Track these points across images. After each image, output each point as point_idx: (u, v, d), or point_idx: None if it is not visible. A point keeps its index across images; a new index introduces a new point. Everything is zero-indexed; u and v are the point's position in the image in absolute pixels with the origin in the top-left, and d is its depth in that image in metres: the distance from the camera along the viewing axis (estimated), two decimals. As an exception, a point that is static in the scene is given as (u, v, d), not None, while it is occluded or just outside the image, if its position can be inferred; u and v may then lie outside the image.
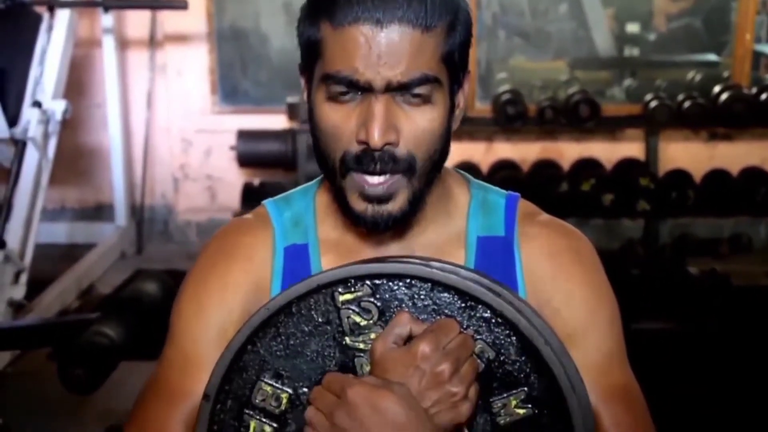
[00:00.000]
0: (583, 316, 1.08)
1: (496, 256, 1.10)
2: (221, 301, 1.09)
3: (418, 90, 0.99)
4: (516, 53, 5.38)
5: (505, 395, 0.98)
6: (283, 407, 1.00)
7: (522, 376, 0.97)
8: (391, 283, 0.98)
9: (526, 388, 0.97)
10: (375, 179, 1.01)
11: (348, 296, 0.99)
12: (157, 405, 1.08)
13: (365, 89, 0.99)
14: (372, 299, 0.99)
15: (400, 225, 1.06)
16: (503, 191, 1.17)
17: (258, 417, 1.00)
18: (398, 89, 0.99)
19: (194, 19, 5.16)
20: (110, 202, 5.34)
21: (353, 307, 0.99)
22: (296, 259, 1.11)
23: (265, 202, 1.19)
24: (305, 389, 0.99)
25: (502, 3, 5.23)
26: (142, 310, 2.78)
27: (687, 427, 3.09)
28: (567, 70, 5.35)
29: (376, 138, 0.98)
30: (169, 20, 5.21)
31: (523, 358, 0.97)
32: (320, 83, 1.02)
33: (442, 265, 1.00)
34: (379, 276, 0.98)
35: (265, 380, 1.00)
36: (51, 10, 4.16)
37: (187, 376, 1.07)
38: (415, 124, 1.01)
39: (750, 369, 3.59)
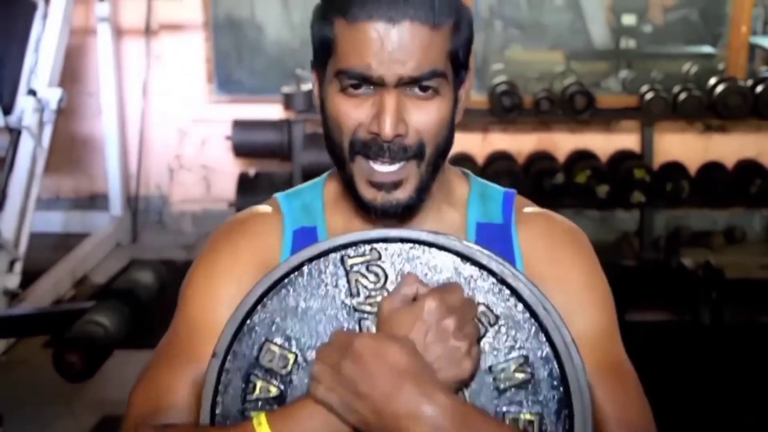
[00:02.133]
0: (577, 295, 1.11)
1: (494, 241, 1.13)
2: (231, 275, 1.12)
3: (427, 83, 1.05)
4: (512, 44, 5.37)
5: (504, 360, 1.00)
6: (289, 368, 1.02)
7: (521, 341, 1.00)
8: (399, 248, 1.03)
9: (525, 353, 1.00)
10: (385, 168, 1.06)
11: (357, 260, 1.03)
12: (165, 367, 1.09)
13: (378, 84, 1.04)
14: (380, 263, 1.03)
15: (407, 212, 1.10)
16: (501, 187, 1.22)
17: (264, 377, 1.02)
18: (409, 83, 1.04)
19: (190, 7, 5.15)
20: (105, 192, 5.33)
21: (362, 271, 1.03)
22: (305, 240, 1.14)
23: (276, 194, 1.23)
24: (312, 351, 1.01)
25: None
26: (136, 300, 2.79)
27: (681, 418, 3.11)
28: (563, 61, 5.35)
29: (388, 129, 1.04)
30: (165, 9, 5.19)
31: (523, 324, 1.00)
32: (333, 78, 1.07)
33: (447, 234, 1.05)
34: (387, 240, 1.03)
35: (273, 341, 1.02)
36: (46, -2, 4.14)
37: (195, 342, 1.09)
38: (425, 116, 1.06)
39: (744, 360, 3.61)
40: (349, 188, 1.11)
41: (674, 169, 4.87)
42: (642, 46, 5.37)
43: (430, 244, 1.03)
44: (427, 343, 0.95)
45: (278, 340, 1.02)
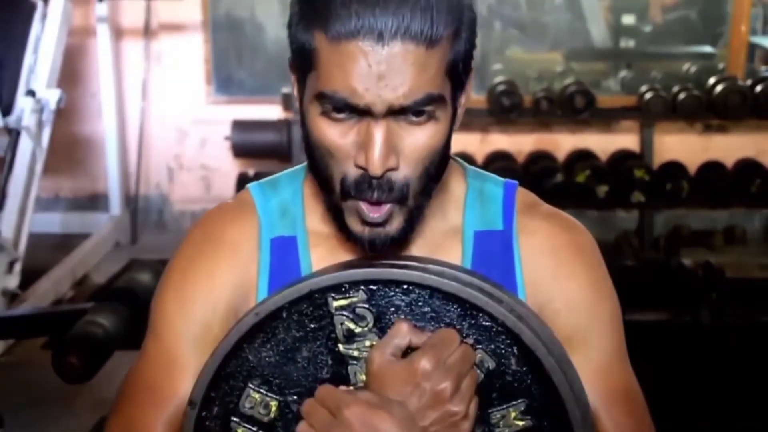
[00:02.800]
0: (585, 318, 1.06)
1: (494, 253, 1.07)
2: (206, 295, 1.05)
3: (421, 109, 0.93)
4: (511, 44, 5.37)
5: (504, 406, 0.95)
6: (272, 415, 0.97)
7: (522, 386, 0.95)
8: (387, 289, 0.95)
9: (526, 399, 0.95)
10: (373, 209, 0.97)
11: (342, 302, 0.95)
12: (140, 406, 1.05)
13: (364, 112, 0.93)
14: (367, 305, 0.95)
15: (399, 243, 1.02)
16: (501, 179, 1.13)
17: (246, 425, 0.97)
18: (399, 112, 0.93)
19: (189, 8, 5.14)
20: (105, 192, 5.32)
21: (347, 314, 0.95)
22: (284, 252, 1.07)
23: (250, 186, 1.12)
24: (295, 397, 0.96)
25: (498, -6, 5.23)
26: (136, 300, 2.78)
27: (681, 418, 3.10)
28: (562, 61, 5.35)
29: (376, 165, 0.93)
30: (164, 9, 5.18)
31: (524, 368, 0.94)
32: (314, 99, 0.95)
33: (441, 270, 0.97)
34: (375, 282, 0.95)
35: (254, 387, 0.97)
36: (45, -2, 4.14)
37: (170, 377, 1.04)
38: (416, 143, 0.95)
39: (744, 361, 3.61)
40: (336, 218, 1.01)
41: (674, 168, 4.86)
42: (641, 46, 5.37)
43: (424, 287, 0.94)
44: (421, 408, 0.90)
45: (259, 386, 0.96)
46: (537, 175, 4.82)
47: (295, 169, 1.14)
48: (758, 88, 4.75)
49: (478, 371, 0.94)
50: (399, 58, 0.89)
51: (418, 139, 0.95)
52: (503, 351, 0.94)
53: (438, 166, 0.99)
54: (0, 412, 2.66)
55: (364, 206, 0.96)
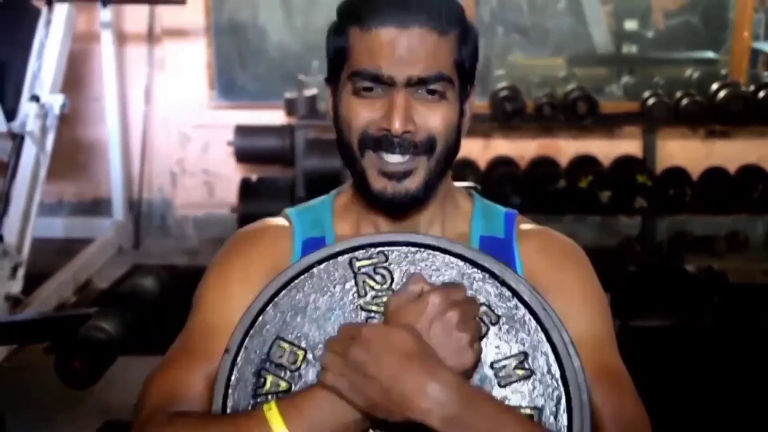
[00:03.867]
0: (575, 302, 1.15)
1: (496, 253, 1.15)
2: (244, 278, 1.16)
3: (434, 86, 1.11)
4: (514, 50, 5.38)
5: (504, 357, 1.04)
6: (298, 364, 1.05)
7: (522, 339, 1.04)
8: (405, 251, 1.08)
9: (525, 351, 1.04)
10: (395, 158, 1.11)
11: (365, 262, 1.08)
12: (180, 362, 1.12)
13: (388, 84, 1.10)
14: (387, 266, 1.08)
15: (417, 205, 1.16)
16: (502, 207, 1.27)
17: (275, 372, 1.05)
18: (417, 84, 1.10)
19: (192, 13, 5.15)
20: (108, 197, 5.33)
21: (369, 272, 1.07)
22: (314, 248, 1.16)
23: (286, 209, 1.28)
24: (321, 348, 1.04)
25: (501, -1, 5.23)
26: (139, 305, 2.79)
27: (684, 424, 3.10)
28: (565, 66, 5.35)
29: (398, 125, 1.09)
30: (167, 14, 5.20)
31: (523, 324, 1.04)
32: (347, 80, 1.13)
33: (452, 241, 1.10)
34: (395, 243, 1.08)
35: (284, 338, 1.06)
36: (49, 3, 4.15)
37: (209, 340, 1.12)
38: (432, 117, 1.12)
39: (747, 366, 3.60)
40: (360, 184, 1.16)
41: (677, 174, 4.87)
42: (644, 52, 5.37)
43: (435, 248, 1.08)
44: (431, 333, 0.99)
45: (289, 337, 1.06)
46: (540, 180, 4.82)
47: (324, 197, 1.29)
48: (761, 93, 4.76)
49: (482, 324, 1.04)
50: (416, 41, 1.10)
51: (432, 114, 1.12)
52: (504, 306, 1.06)
53: (452, 143, 1.15)
54: (1, 417, 2.66)
55: (385, 157, 1.12)
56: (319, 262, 1.08)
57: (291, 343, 1.06)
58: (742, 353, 3.72)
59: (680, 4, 5.30)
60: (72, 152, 5.31)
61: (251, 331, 1.07)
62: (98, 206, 5.47)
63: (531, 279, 1.13)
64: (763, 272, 4.72)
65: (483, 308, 1.05)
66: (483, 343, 1.03)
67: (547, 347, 1.03)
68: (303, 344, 1.06)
